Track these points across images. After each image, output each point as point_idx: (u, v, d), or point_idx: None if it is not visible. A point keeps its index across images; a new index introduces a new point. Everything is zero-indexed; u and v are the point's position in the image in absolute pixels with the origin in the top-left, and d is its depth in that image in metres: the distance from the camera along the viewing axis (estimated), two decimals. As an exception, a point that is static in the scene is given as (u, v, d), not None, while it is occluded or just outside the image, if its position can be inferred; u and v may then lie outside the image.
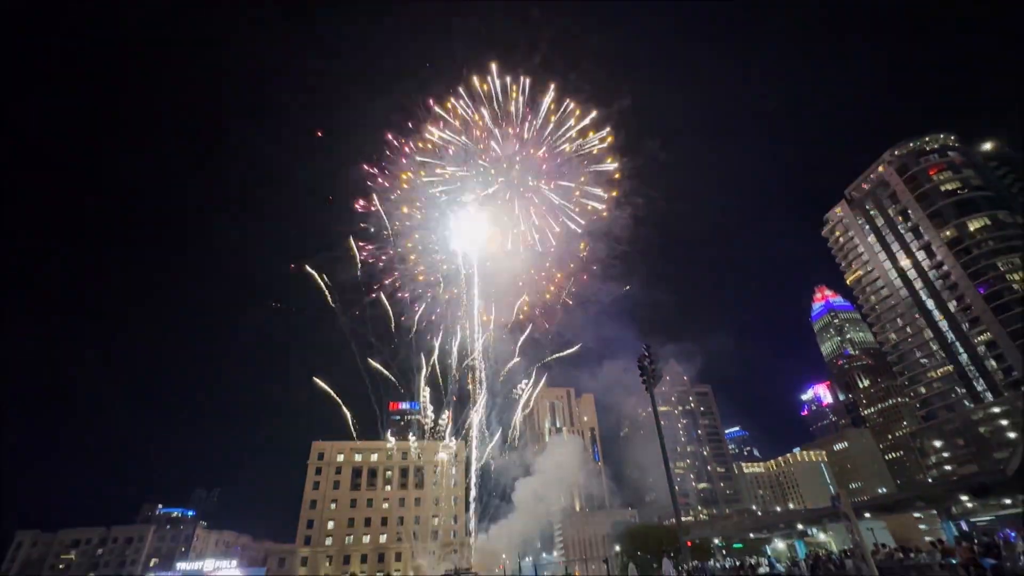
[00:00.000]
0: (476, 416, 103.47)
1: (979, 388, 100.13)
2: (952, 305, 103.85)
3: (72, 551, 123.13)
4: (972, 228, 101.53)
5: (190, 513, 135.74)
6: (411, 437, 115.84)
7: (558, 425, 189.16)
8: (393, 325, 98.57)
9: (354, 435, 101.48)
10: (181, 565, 77.10)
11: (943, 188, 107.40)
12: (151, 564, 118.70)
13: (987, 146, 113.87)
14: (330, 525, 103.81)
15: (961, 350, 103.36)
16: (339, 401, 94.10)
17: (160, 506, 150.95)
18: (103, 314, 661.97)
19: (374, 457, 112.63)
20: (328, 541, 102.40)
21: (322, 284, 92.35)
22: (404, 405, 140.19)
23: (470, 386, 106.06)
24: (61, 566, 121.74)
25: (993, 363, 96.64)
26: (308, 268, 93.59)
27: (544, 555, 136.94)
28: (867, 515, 34.08)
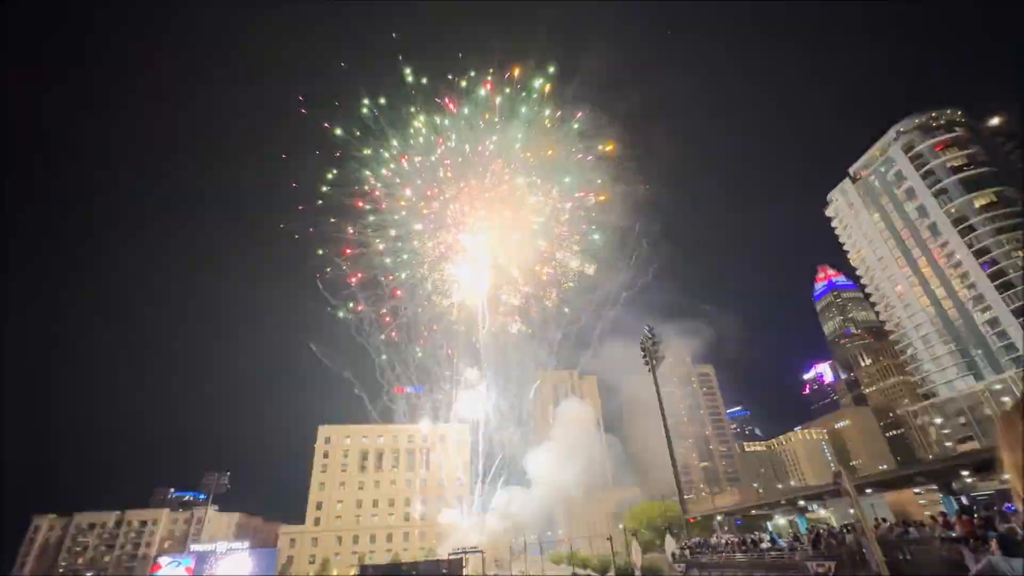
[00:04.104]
0: (482, 399, 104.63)
1: (981, 365, 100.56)
2: (956, 284, 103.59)
3: (89, 534, 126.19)
4: (977, 205, 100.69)
5: (201, 496, 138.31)
6: (421, 420, 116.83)
7: (558, 413, 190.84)
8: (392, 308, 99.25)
9: (374, 416, 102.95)
10: (194, 547, 78.94)
11: (949, 165, 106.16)
12: (165, 546, 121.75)
13: (995, 121, 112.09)
14: (338, 507, 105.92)
15: (963, 328, 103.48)
16: (357, 385, 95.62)
17: (172, 490, 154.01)
18: (114, 302, 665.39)
19: (380, 440, 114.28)
20: (337, 522, 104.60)
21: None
22: (409, 389, 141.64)
23: (476, 369, 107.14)
24: (79, 548, 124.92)
25: (995, 340, 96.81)
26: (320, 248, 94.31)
27: (548, 532, 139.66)
28: (868, 491, 34.54)
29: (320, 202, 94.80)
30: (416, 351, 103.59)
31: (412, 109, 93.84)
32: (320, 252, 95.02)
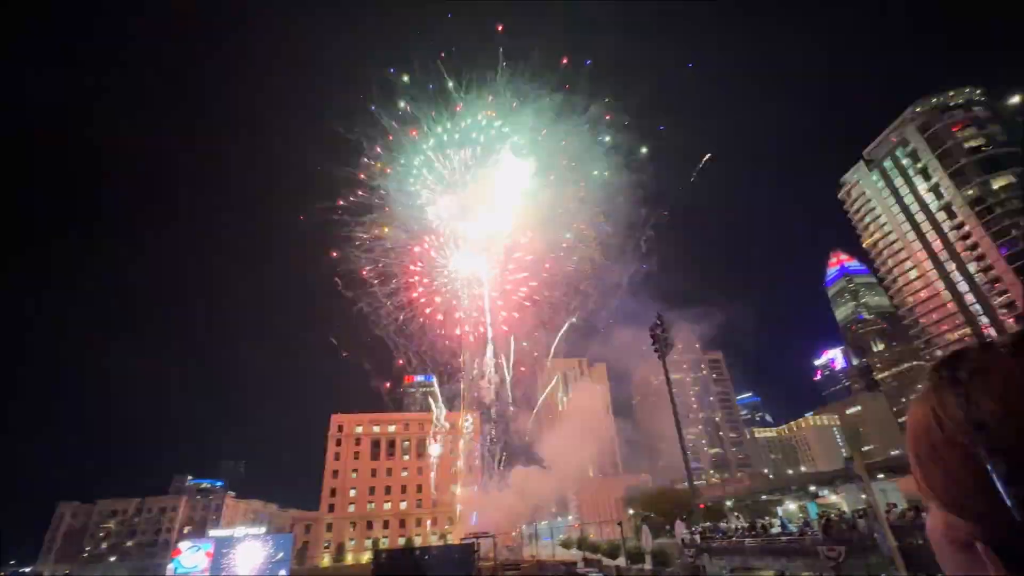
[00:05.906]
0: (493, 386, 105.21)
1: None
2: (972, 267, 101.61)
3: (111, 520, 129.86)
4: (995, 187, 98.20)
5: (219, 484, 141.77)
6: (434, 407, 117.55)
7: (571, 395, 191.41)
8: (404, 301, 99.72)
9: (388, 405, 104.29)
10: (213, 532, 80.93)
11: (966, 145, 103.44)
12: (184, 531, 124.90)
13: (1015, 99, 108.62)
14: (352, 493, 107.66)
15: (980, 312, 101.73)
16: (371, 375, 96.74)
17: (191, 477, 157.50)
18: (134, 298, 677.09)
19: (391, 428, 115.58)
20: (351, 508, 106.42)
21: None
22: (419, 378, 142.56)
23: (487, 357, 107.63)
24: (101, 534, 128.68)
25: (1013, 324, 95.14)
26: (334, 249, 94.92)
27: (559, 518, 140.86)
28: (880, 476, 34.38)
29: (329, 204, 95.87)
30: (428, 340, 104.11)
31: (432, 113, 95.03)
32: (335, 247, 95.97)
